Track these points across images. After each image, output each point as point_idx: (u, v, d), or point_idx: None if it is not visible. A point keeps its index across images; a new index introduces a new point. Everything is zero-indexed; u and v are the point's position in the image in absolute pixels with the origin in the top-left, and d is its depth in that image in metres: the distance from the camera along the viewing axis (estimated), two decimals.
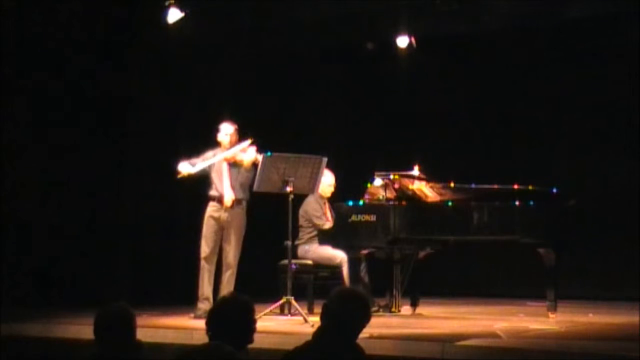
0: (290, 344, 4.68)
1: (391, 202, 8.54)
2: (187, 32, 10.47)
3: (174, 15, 10.27)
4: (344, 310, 4.34)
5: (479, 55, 11.90)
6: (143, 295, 9.88)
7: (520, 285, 11.07)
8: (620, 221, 10.99)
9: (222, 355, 3.76)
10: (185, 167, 8.79)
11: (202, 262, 8.85)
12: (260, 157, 8.58)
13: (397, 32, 11.22)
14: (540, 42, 11.63)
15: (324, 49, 12.10)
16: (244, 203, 8.91)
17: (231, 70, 11.41)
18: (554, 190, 8.72)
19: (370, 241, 8.61)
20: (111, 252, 10.78)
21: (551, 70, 11.66)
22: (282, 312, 8.59)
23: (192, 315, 8.69)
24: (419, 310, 9.36)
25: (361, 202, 8.73)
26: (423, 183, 8.82)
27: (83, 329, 7.39)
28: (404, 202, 8.56)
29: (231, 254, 8.85)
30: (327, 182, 9.28)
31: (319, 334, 4.37)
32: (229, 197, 8.81)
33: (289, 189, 8.47)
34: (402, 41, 11.26)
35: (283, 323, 8.17)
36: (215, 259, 8.87)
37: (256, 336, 4.38)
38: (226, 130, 8.91)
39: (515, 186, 8.60)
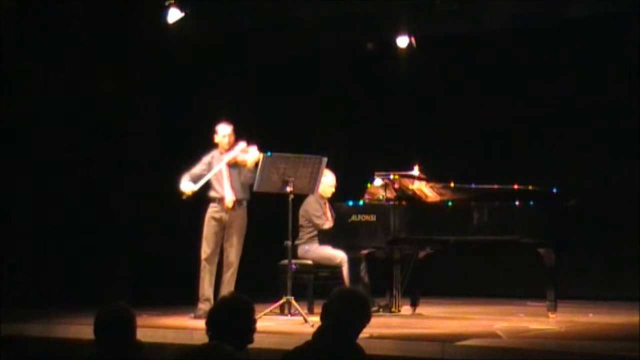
0: (290, 344, 4.68)
1: (391, 202, 8.54)
2: (187, 32, 10.47)
3: (174, 15, 10.27)
4: (344, 310, 4.34)
5: (479, 55, 11.90)
6: (143, 295, 9.88)
7: (520, 285, 11.06)
8: (620, 221, 10.99)
9: (222, 355, 3.77)
10: (188, 186, 8.78)
11: (203, 263, 8.85)
12: (260, 154, 8.59)
13: (397, 32, 11.23)
14: (540, 42, 11.63)
15: (324, 49, 12.09)
16: (245, 203, 8.92)
17: (231, 70, 11.41)
18: (554, 190, 8.72)
19: (370, 241, 8.60)
20: (111, 252, 10.78)
21: (551, 70, 11.66)
22: (282, 312, 8.59)
23: (192, 315, 8.69)
24: (419, 310, 9.36)
25: (361, 202, 8.73)
26: (423, 183, 8.82)
27: (83, 329, 7.39)
28: (404, 202, 8.56)
29: (233, 254, 8.86)
30: (327, 182, 9.28)
31: (319, 334, 4.38)
32: (229, 198, 8.81)
33: (289, 189, 8.47)
34: (402, 41, 11.27)
35: (283, 323, 8.17)
36: (216, 260, 8.87)
37: (256, 336, 4.38)
38: (224, 132, 8.90)
39: (515, 186, 8.60)
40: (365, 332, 4.56)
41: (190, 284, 8.89)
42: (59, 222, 10.45)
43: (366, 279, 9.07)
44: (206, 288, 8.80)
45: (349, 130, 12.53)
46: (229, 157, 8.84)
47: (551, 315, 8.54)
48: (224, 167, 8.84)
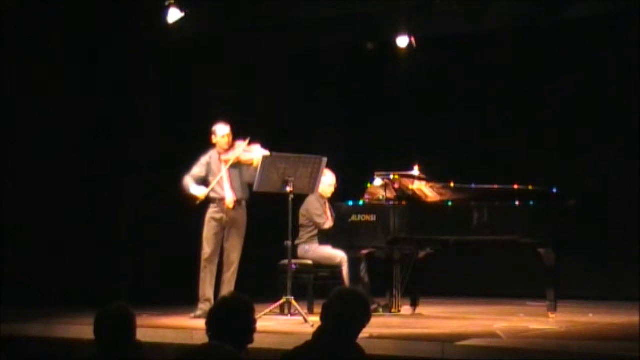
0: (290, 344, 4.68)
1: (391, 202, 8.54)
2: (187, 32, 10.47)
3: (174, 15, 10.27)
4: (344, 310, 4.34)
5: (479, 55, 11.90)
6: (143, 295, 9.89)
7: (520, 285, 11.07)
8: (620, 221, 10.99)
9: (222, 355, 3.76)
10: (200, 190, 8.78)
11: (204, 264, 8.84)
12: (267, 152, 8.60)
13: (397, 32, 11.23)
14: (540, 42, 11.63)
15: (324, 49, 12.09)
16: (244, 203, 8.92)
17: (231, 70, 11.40)
18: (554, 190, 8.72)
19: (370, 241, 8.60)
20: (111, 252, 10.78)
21: (551, 70, 11.65)
22: (282, 312, 8.59)
23: (192, 315, 8.68)
24: (419, 310, 9.36)
25: (361, 202, 8.73)
26: (423, 183, 8.82)
27: (83, 329, 7.39)
28: (404, 202, 8.56)
29: (233, 253, 8.86)
30: (327, 182, 9.28)
31: (319, 334, 4.37)
32: (230, 198, 8.81)
33: (289, 189, 8.47)
34: (402, 41, 11.27)
35: (283, 323, 8.17)
36: (216, 260, 8.87)
37: (256, 336, 4.38)
38: (223, 132, 8.89)
39: (515, 186, 8.60)
40: (365, 332, 4.56)
41: (190, 284, 8.89)
42: (59, 222, 10.45)
43: (366, 279, 9.07)
44: (207, 289, 8.80)
45: (349, 130, 12.54)
46: (229, 157, 8.83)
47: (551, 315, 8.54)
48: (224, 167, 8.83)
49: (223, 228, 8.86)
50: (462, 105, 12.09)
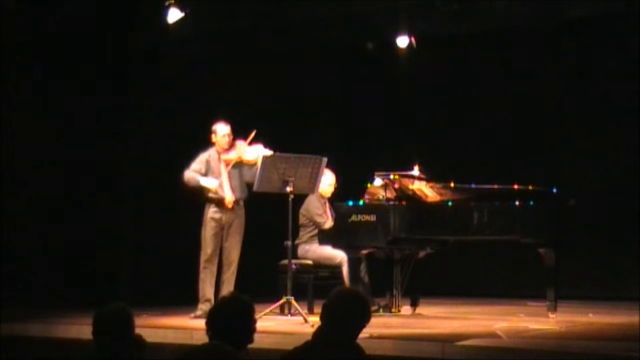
0: (290, 344, 4.68)
1: (391, 202, 8.54)
2: (187, 32, 10.46)
3: (174, 15, 10.27)
4: (344, 310, 4.34)
5: (479, 55, 11.90)
6: (143, 295, 9.89)
7: (520, 285, 11.07)
8: (620, 221, 10.99)
9: (222, 355, 3.76)
10: (212, 182, 8.79)
11: (204, 264, 8.84)
12: (270, 151, 8.60)
13: (397, 32, 11.22)
14: (540, 42, 11.62)
15: (324, 49, 12.09)
16: (242, 202, 8.92)
17: (231, 71, 11.40)
18: (554, 190, 8.72)
19: (370, 241, 8.60)
20: (111, 252, 10.78)
21: (551, 70, 11.65)
22: (282, 312, 8.59)
23: (192, 315, 8.69)
24: (419, 310, 9.36)
25: (361, 202, 8.73)
26: (423, 183, 8.82)
27: (83, 329, 7.39)
28: (404, 202, 8.55)
29: (233, 253, 8.87)
30: (327, 181, 9.28)
31: (319, 334, 4.37)
32: (230, 198, 8.81)
33: (289, 189, 8.47)
34: (402, 41, 11.26)
35: (283, 323, 8.17)
36: (216, 261, 8.87)
37: (256, 336, 4.38)
38: (224, 131, 8.88)
39: (515, 186, 8.60)
40: (365, 332, 4.56)
41: (190, 284, 8.89)
42: (59, 222, 10.45)
43: (366, 279, 9.07)
44: (207, 289, 8.80)
45: (349, 130, 12.53)
46: (230, 157, 8.83)
47: (551, 315, 8.54)
48: (223, 167, 8.83)
49: (222, 228, 8.86)
50: (462, 105, 12.09)
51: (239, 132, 8.94)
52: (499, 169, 11.11)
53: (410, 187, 8.78)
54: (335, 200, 9.20)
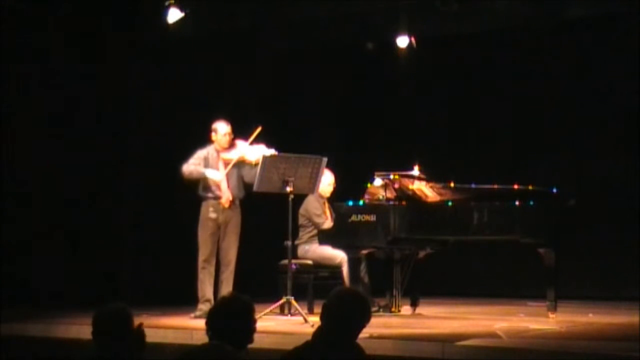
0: (290, 344, 4.68)
1: (391, 202, 8.54)
2: (187, 32, 10.46)
3: (174, 15, 10.27)
4: (344, 310, 4.34)
5: (479, 55, 11.90)
6: (143, 295, 9.88)
7: (520, 285, 11.07)
8: (620, 221, 10.99)
9: (222, 355, 3.76)
10: (217, 174, 8.77)
11: (202, 264, 8.83)
12: (273, 151, 8.59)
13: (397, 32, 11.22)
14: (540, 42, 11.62)
15: (324, 49, 12.09)
16: (238, 202, 8.92)
17: (231, 70, 11.41)
18: (554, 190, 8.72)
19: (370, 241, 8.60)
20: (111, 251, 10.78)
21: (551, 70, 11.65)
22: (282, 312, 8.59)
23: (192, 315, 8.68)
24: (419, 310, 9.36)
25: (361, 202, 8.72)
26: (423, 183, 8.82)
27: (83, 329, 7.37)
28: (404, 202, 8.55)
29: (230, 252, 8.86)
30: (326, 181, 9.28)
31: (319, 334, 4.37)
32: (227, 197, 8.81)
33: (289, 189, 8.47)
34: (402, 41, 11.26)
35: (283, 323, 8.17)
36: (214, 261, 8.87)
37: (256, 336, 4.37)
38: (224, 130, 8.88)
39: (515, 186, 8.60)
40: (365, 332, 4.56)
41: (190, 284, 8.89)
42: (59, 221, 10.45)
43: (366, 279, 9.07)
44: (206, 289, 8.79)
45: (349, 130, 12.53)
46: (231, 156, 8.82)
47: (551, 315, 8.54)
48: (222, 166, 8.83)
49: (219, 227, 8.86)
50: (462, 105, 12.09)
51: (238, 132, 8.93)
52: (499, 169, 11.10)
53: (410, 187, 8.78)
54: (335, 200, 9.20)
